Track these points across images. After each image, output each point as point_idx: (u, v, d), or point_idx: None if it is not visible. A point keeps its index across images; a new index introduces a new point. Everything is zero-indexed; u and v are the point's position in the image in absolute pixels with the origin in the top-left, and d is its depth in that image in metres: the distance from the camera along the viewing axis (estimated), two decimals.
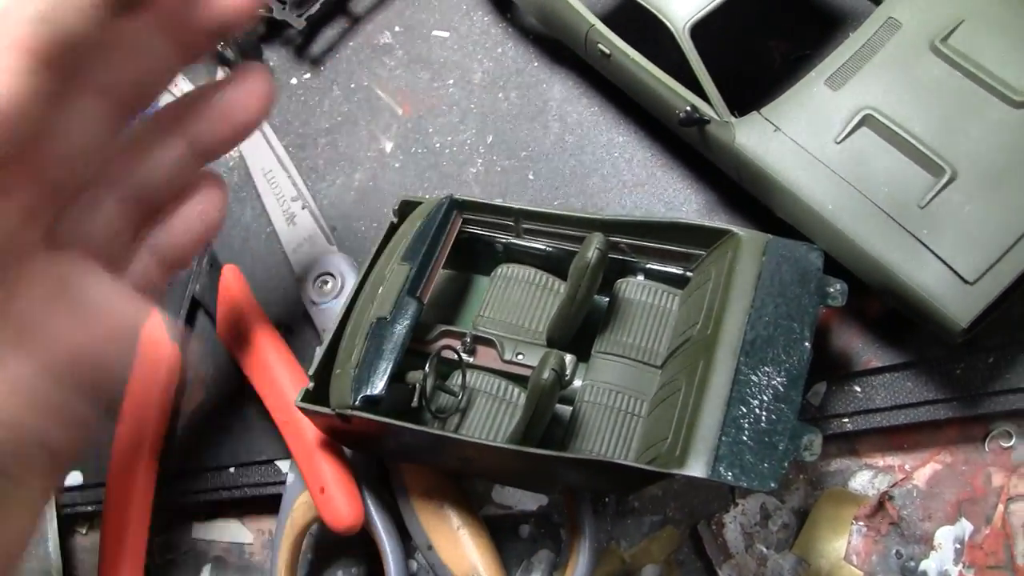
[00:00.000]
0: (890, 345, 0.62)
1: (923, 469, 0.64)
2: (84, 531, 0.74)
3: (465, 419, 0.57)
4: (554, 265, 0.63)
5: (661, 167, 0.70)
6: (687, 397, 0.51)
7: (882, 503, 0.63)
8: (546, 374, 0.49)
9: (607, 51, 0.65)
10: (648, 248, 0.60)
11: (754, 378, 0.50)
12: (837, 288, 0.55)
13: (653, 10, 0.60)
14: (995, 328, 0.58)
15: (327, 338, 0.57)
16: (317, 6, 0.77)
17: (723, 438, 0.48)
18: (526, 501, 0.66)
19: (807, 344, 0.52)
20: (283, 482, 0.65)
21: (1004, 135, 0.57)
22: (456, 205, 0.61)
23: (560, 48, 0.75)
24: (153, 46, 0.45)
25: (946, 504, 0.63)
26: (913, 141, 0.57)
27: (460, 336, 0.60)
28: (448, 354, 0.59)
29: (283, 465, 0.67)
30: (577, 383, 0.58)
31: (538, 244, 0.62)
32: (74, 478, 0.69)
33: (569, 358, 0.53)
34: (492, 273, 0.64)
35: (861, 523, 0.64)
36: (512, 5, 0.78)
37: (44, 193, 0.41)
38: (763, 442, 0.48)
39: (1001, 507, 0.63)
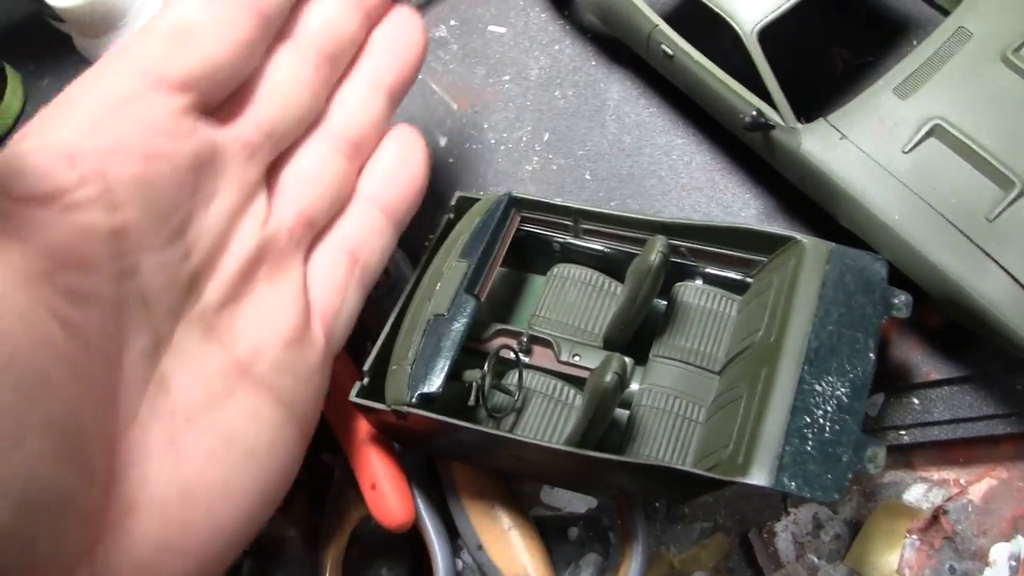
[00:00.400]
0: (950, 358, 0.62)
1: (979, 484, 0.64)
2: None
3: (520, 419, 0.57)
4: (611, 266, 0.62)
5: (720, 171, 0.70)
6: (750, 405, 0.51)
7: (936, 517, 0.63)
8: (608, 377, 0.48)
9: (670, 52, 0.64)
10: (708, 252, 0.60)
11: (818, 388, 0.50)
12: (902, 300, 0.54)
13: (720, 12, 0.59)
14: None
15: (383, 334, 0.56)
16: None
17: (787, 447, 0.47)
18: (575, 503, 0.65)
19: (871, 355, 0.51)
20: (328, 476, 0.65)
21: None
22: (514, 203, 0.61)
23: (618, 47, 0.74)
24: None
25: (1001, 520, 0.63)
26: (982, 152, 0.56)
27: (516, 335, 0.60)
28: (506, 353, 0.58)
29: (325, 458, 0.67)
30: (635, 387, 0.58)
31: (596, 245, 0.62)
32: None
33: (628, 361, 0.53)
34: (548, 272, 0.63)
35: (915, 536, 0.63)
36: (571, 2, 0.77)
37: (261, 132, 0.48)
38: (827, 453, 0.47)
39: None
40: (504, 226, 0.59)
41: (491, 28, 0.79)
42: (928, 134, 0.57)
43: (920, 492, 0.64)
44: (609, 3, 0.68)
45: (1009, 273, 0.53)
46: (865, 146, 0.57)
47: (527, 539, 0.60)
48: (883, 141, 0.58)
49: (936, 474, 0.65)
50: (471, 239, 0.58)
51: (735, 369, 0.56)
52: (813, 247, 0.56)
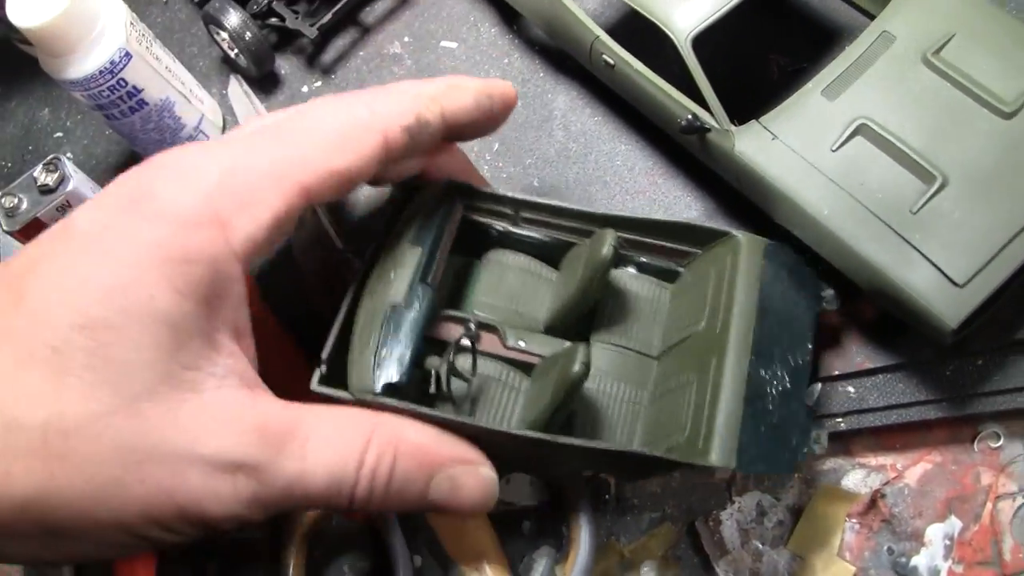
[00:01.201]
0: (883, 347, 0.64)
1: (914, 468, 0.66)
2: None
3: (476, 405, 0.57)
4: (548, 254, 0.63)
5: (662, 175, 0.72)
6: (702, 392, 0.53)
7: (875, 501, 0.65)
8: (576, 367, 0.49)
9: (611, 61, 0.66)
10: (646, 244, 0.62)
11: (765, 376, 0.52)
12: (829, 294, 0.57)
13: (656, 22, 0.62)
14: (984, 331, 0.60)
15: (338, 320, 0.56)
16: (329, 16, 0.79)
17: (742, 431, 0.50)
18: (528, 497, 0.67)
19: (809, 345, 0.54)
20: None
21: (992, 144, 0.59)
22: (457, 190, 0.61)
23: (565, 59, 0.77)
24: None
25: (936, 502, 0.65)
26: (906, 149, 0.58)
27: (462, 321, 0.59)
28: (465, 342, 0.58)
29: None
30: None
31: (535, 233, 0.62)
32: None
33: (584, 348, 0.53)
34: (484, 257, 0.63)
35: (854, 520, 0.65)
36: (518, 16, 0.80)
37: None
38: (778, 435, 0.50)
39: (990, 505, 0.64)
40: (451, 214, 0.60)
41: (443, 43, 0.81)
42: (855, 133, 0.60)
43: (859, 478, 0.66)
44: (553, 16, 0.70)
45: (933, 263, 0.56)
46: (795, 145, 0.60)
47: (482, 532, 0.62)
48: (812, 141, 0.60)
49: (873, 460, 0.67)
50: (420, 227, 0.58)
51: (677, 356, 0.58)
52: (749, 242, 0.58)
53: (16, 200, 0.69)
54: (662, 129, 0.68)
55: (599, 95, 0.76)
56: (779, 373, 0.53)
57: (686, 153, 0.69)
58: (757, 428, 0.50)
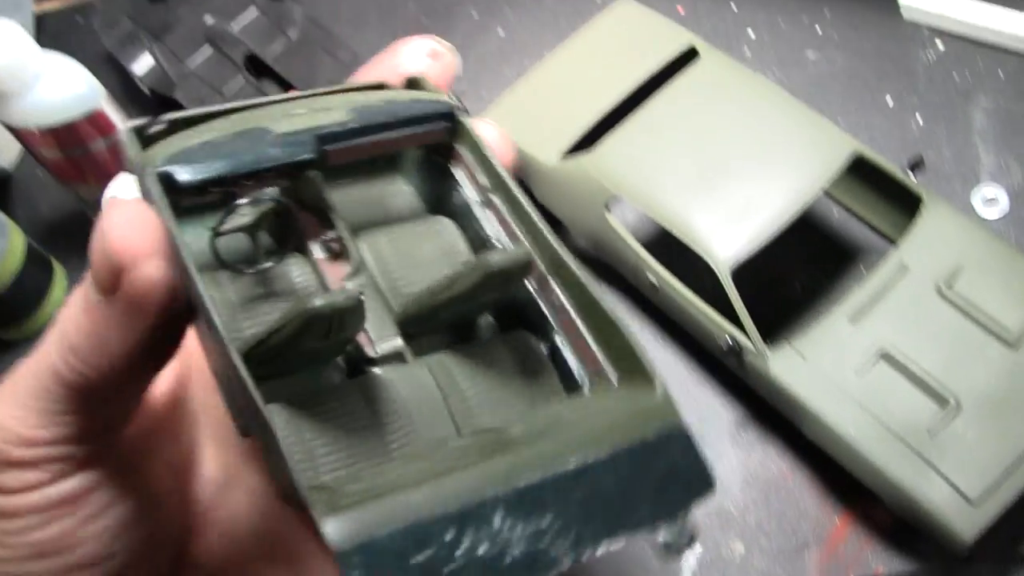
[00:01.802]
0: (898, 553, 0.69)
1: None
2: None
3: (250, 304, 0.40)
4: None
5: (696, 384, 0.78)
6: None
7: None
8: (318, 301, 0.33)
9: (656, 283, 0.73)
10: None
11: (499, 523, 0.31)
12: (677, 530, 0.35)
13: (699, 251, 0.68)
14: (996, 543, 0.65)
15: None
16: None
17: (392, 534, 0.30)
18: None
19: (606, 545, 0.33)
20: None
21: (1001, 371, 0.65)
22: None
23: (608, 269, 0.82)
24: None
25: None
26: (923, 375, 0.65)
27: (330, 226, 0.42)
28: (324, 239, 0.42)
29: None
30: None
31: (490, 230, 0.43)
32: None
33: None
34: (426, 215, 0.46)
35: None
36: (561, 227, 0.86)
37: None
38: None
39: None
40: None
41: None
42: (877, 358, 0.66)
43: None
44: (600, 234, 0.77)
45: (948, 480, 0.62)
46: (824, 369, 0.66)
47: None
48: (839, 364, 0.66)
49: None
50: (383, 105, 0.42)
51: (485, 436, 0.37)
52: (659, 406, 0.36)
53: None
54: (699, 343, 0.75)
55: (640, 304, 0.81)
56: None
57: (718, 363, 0.75)
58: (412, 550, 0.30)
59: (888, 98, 0.90)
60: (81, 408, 0.36)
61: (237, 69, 1.02)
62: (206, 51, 1.05)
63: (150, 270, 0.33)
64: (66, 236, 1.00)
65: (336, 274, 0.41)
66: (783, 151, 0.71)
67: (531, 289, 0.38)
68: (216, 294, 0.39)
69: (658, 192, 0.71)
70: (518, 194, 0.39)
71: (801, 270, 0.81)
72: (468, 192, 0.43)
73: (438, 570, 0.30)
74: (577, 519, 0.32)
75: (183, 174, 0.36)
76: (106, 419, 0.38)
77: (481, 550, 0.31)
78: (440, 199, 0.45)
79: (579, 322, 0.37)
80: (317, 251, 0.41)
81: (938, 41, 0.93)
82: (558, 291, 0.38)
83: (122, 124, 0.86)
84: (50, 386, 0.36)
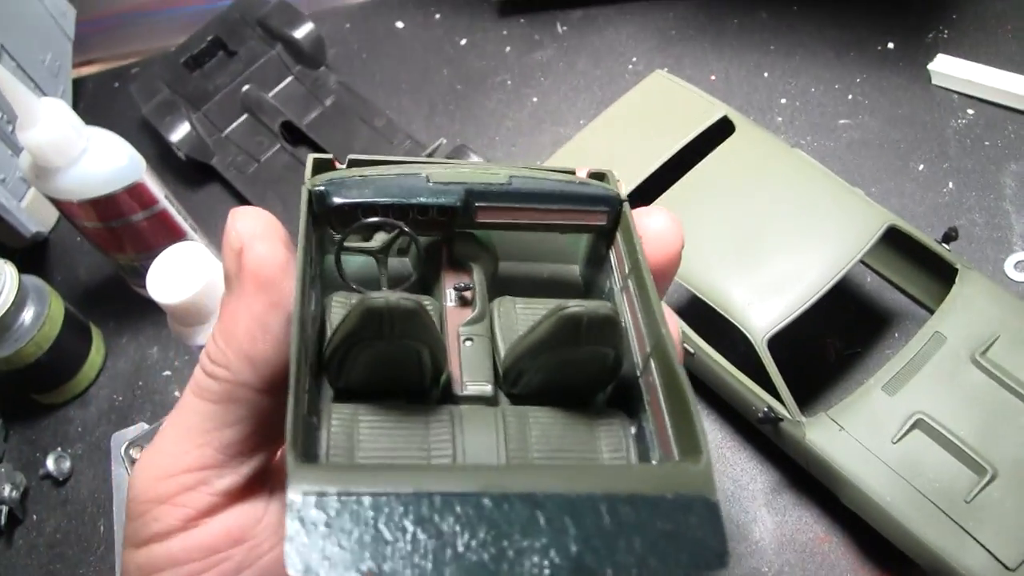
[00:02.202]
0: None
1: None
2: None
3: None
4: None
5: (731, 448, 0.80)
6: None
7: None
8: (379, 299, 0.35)
9: (692, 351, 0.75)
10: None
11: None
12: None
13: (734, 322, 0.71)
14: None
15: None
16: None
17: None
18: None
19: None
20: None
21: None
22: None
23: None
24: None
25: None
26: (959, 443, 0.66)
27: (465, 275, 0.44)
28: (457, 287, 0.44)
29: None
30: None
31: None
32: None
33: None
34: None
35: None
36: None
37: None
38: None
39: None
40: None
41: None
42: (913, 426, 0.68)
43: None
44: None
45: (985, 548, 0.63)
46: (860, 437, 0.68)
47: None
48: (875, 433, 0.68)
49: None
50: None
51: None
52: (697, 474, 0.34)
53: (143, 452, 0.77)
54: (735, 409, 0.77)
55: None
56: None
57: (753, 428, 0.77)
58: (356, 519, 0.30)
59: (920, 164, 0.93)
60: (227, 417, 0.39)
61: (273, 136, 1.06)
62: (242, 119, 1.09)
63: (263, 247, 0.38)
64: (103, 300, 1.03)
65: (456, 319, 0.43)
66: (819, 223, 0.73)
67: (637, 369, 0.40)
68: (339, 308, 0.41)
69: (695, 263, 0.74)
70: (647, 278, 0.40)
71: (835, 336, 0.83)
72: (614, 279, 0.45)
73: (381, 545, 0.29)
74: (559, 540, 0.31)
75: (335, 196, 0.41)
76: (255, 428, 0.39)
77: (423, 537, 0.30)
78: (595, 287, 0.47)
79: (664, 405, 0.38)
80: (449, 296, 0.43)
81: (968, 108, 0.96)
82: (655, 372, 0.39)
83: (163, 195, 0.89)
84: (193, 406, 0.39)
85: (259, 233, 0.39)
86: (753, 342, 0.70)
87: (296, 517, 0.29)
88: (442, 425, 0.38)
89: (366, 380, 0.38)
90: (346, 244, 0.42)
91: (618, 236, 0.44)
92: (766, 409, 0.71)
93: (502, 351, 0.41)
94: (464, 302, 0.43)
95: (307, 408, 0.35)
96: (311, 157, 0.43)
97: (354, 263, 0.44)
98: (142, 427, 0.91)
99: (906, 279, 0.83)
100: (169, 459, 0.39)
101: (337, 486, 0.29)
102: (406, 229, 0.41)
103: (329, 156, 0.44)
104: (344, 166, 0.43)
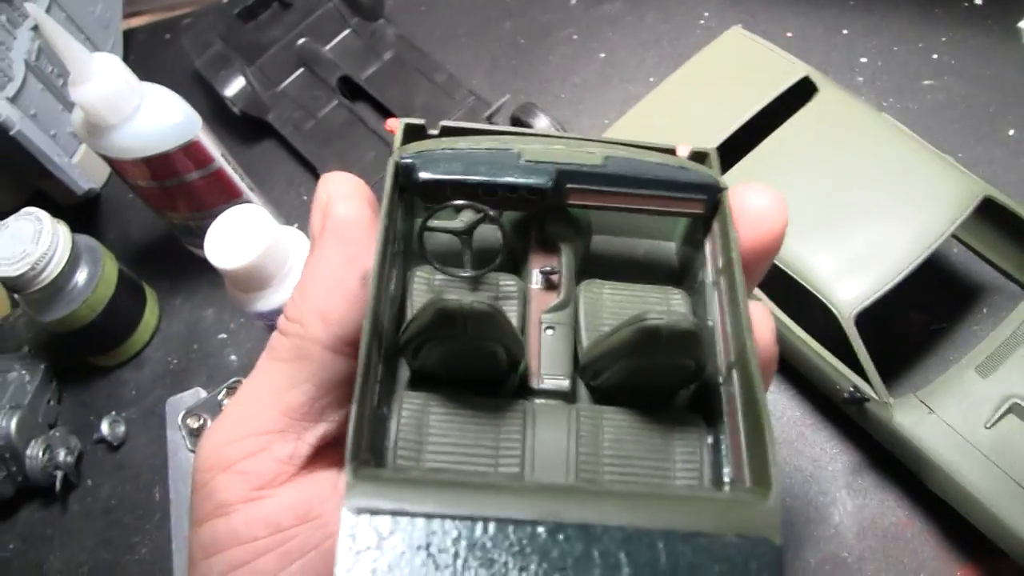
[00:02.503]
0: None
1: None
2: None
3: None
4: None
5: (811, 427, 0.78)
6: None
7: None
8: (478, 303, 0.34)
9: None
10: None
11: None
12: None
13: (820, 296, 0.68)
14: None
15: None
16: None
17: None
18: None
19: None
20: None
21: None
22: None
23: None
24: None
25: None
26: None
27: (554, 256, 0.43)
28: (542, 267, 0.43)
29: None
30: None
31: None
32: None
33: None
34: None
35: None
36: None
37: None
38: None
39: None
40: None
41: None
42: (1008, 411, 0.65)
43: None
44: None
45: None
46: (951, 421, 0.65)
47: None
48: (967, 417, 0.66)
49: None
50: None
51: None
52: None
53: (201, 421, 0.75)
54: (813, 385, 0.74)
55: None
56: None
57: (834, 406, 0.74)
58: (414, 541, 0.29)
59: (1010, 129, 0.89)
60: (296, 376, 0.38)
61: (331, 91, 1.04)
62: (298, 73, 1.07)
63: (347, 204, 0.40)
64: (157, 259, 1.02)
65: (541, 303, 0.42)
66: (909, 193, 0.70)
67: (720, 375, 0.38)
68: (421, 284, 0.41)
69: None
70: (738, 279, 0.39)
71: (919, 310, 0.80)
72: (708, 270, 0.42)
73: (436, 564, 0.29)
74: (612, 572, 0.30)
75: (422, 170, 0.40)
76: (323, 390, 0.39)
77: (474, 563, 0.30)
78: (690, 273, 0.45)
79: (741, 423, 0.37)
80: (534, 278, 0.42)
81: None
82: (736, 385, 0.37)
83: (219, 153, 0.88)
84: (265, 367, 0.39)
85: (345, 192, 0.40)
86: (839, 318, 0.67)
87: (349, 534, 0.29)
88: (514, 423, 0.37)
89: (441, 369, 0.37)
90: (430, 222, 0.40)
91: (715, 226, 0.42)
92: (851, 389, 0.68)
93: (584, 340, 0.40)
94: (550, 285, 0.42)
95: (377, 400, 0.35)
96: (402, 122, 0.42)
97: (439, 235, 0.43)
98: (198, 393, 0.90)
99: (998, 252, 0.79)
100: (236, 424, 0.38)
101: (392, 503, 0.29)
102: (492, 214, 0.40)
103: (421, 122, 0.43)
104: (436, 132, 0.42)
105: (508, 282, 0.42)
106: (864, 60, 0.96)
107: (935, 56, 0.95)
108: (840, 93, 0.78)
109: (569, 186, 0.41)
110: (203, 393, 0.89)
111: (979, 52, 0.95)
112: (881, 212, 0.70)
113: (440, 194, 0.40)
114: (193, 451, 0.74)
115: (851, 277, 0.68)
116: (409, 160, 0.40)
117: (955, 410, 0.66)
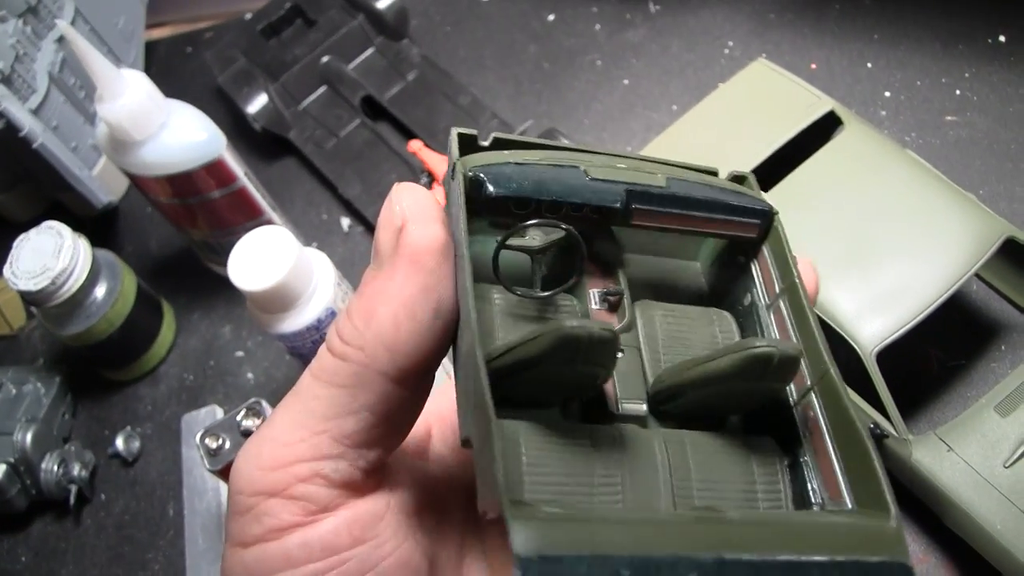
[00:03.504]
0: None
1: None
2: None
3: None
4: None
5: None
6: None
7: None
8: (572, 323, 0.34)
9: None
10: None
11: None
12: None
13: (842, 333, 0.70)
14: None
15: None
16: None
17: None
18: None
19: None
20: None
21: None
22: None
23: None
24: None
25: None
26: None
27: (613, 279, 0.44)
28: (605, 292, 0.43)
29: None
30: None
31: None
32: None
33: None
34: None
35: None
36: None
37: None
38: None
39: None
40: None
41: None
42: None
43: None
44: None
45: None
46: (970, 459, 0.67)
47: None
48: (986, 455, 0.67)
49: None
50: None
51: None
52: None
53: (220, 441, 0.77)
54: None
55: None
56: None
57: None
58: None
59: None
60: (352, 404, 0.38)
61: (353, 111, 1.06)
62: (321, 91, 1.09)
63: (426, 228, 0.37)
64: (175, 274, 1.04)
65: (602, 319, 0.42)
66: (932, 232, 0.72)
67: (790, 398, 0.40)
68: (482, 304, 0.41)
69: None
70: (805, 304, 0.41)
71: (937, 346, 0.82)
72: (759, 293, 0.44)
73: None
74: None
75: (491, 184, 0.39)
76: (380, 420, 0.38)
77: None
78: (725, 294, 0.47)
79: (830, 443, 0.38)
80: (593, 299, 0.43)
81: None
82: (817, 406, 0.39)
83: (242, 172, 0.89)
84: (313, 390, 0.38)
85: (422, 213, 0.38)
86: (861, 355, 0.69)
87: None
88: (605, 451, 0.37)
89: (523, 393, 0.38)
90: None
91: (765, 249, 0.44)
92: (871, 425, 0.70)
93: (647, 364, 0.41)
94: (609, 307, 0.43)
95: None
96: (455, 131, 0.42)
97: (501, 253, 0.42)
98: (214, 410, 0.91)
99: (1018, 291, 0.81)
100: (281, 448, 0.38)
101: (558, 548, 0.29)
102: (575, 232, 0.40)
103: (474, 132, 0.42)
104: (487, 143, 0.42)
105: (566, 302, 0.42)
106: (888, 94, 0.98)
107: (958, 92, 0.97)
108: (865, 128, 0.80)
109: (635, 206, 0.41)
110: (219, 410, 0.91)
111: (1002, 89, 0.96)
112: (904, 250, 0.72)
113: (504, 208, 0.40)
114: (212, 470, 0.76)
115: (873, 315, 0.70)
116: (480, 175, 0.39)
117: (974, 448, 0.68)
